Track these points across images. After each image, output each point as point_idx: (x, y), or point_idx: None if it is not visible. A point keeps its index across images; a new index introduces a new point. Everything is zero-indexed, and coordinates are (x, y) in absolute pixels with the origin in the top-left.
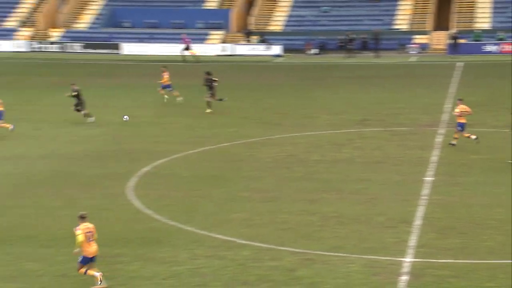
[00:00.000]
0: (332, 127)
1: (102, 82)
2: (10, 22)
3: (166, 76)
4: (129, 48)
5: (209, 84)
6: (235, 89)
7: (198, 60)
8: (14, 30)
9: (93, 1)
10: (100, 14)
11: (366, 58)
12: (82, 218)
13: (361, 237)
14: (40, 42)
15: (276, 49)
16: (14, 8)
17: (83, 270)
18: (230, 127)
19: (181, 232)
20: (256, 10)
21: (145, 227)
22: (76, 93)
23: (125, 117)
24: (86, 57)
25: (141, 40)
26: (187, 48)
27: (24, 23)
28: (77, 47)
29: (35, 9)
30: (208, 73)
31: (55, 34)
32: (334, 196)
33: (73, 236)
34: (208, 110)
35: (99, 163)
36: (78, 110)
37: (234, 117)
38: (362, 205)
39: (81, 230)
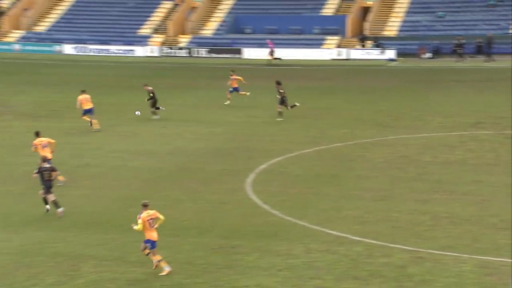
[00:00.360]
0: (445, 129)
1: (225, 85)
2: (144, 30)
3: (234, 79)
4: (249, 53)
5: (280, 95)
6: (349, 92)
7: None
8: (147, 37)
9: (218, 10)
10: (224, 21)
11: (479, 62)
12: (145, 206)
13: (473, 237)
14: (170, 47)
15: (390, 53)
16: (148, 17)
17: (158, 256)
18: (343, 128)
19: (296, 227)
20: (371, 16)
21: (262, 221)
22: (151, 94)
23: (137, 112)
24: (210, 61)
25: (261, 45)
26: (271, 53)
27: (157, 30)
28: (202, 52)
29: (166, 18)
30: (278, 83)
31: (183, 40)
32: (445, 196)
33: (201, 227)
34: (279, 119)
35: (220, 159)
36: (156, 107)
37: (347, 118)
38: (474, 206)
39: (142, 219)
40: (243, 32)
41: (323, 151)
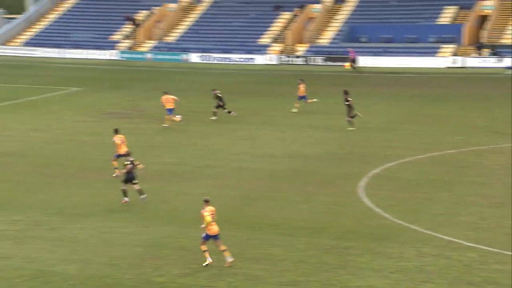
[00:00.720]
0: None
1: (339, 92)
2: (264, 39)
3: (302, 88)
4: (364, 61)
5: (347, 104)
6: (464, 99)
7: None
8: (267, 46)
9: (335, 19)
10: (340, 30)
11: None
12: (207, 202)
13: None
14: (287, 56)
15: (508, 61)
16: (268, 27)
17: (204, 247)
18: (458, 134)
19: (408, 231)
20: (489, 24)
21: (374, 223)
22: (219, 96)
23: (178, 116)
24: (326, 69)
25: (375, 53)
26: (353, 61)
27: (276, 40)
28: (318, 60)
29: (285, 27)
30: (346, 92)
31: (301, 48)
32: None
33: (314, 227)
34: (351, 128)
35: (334, 163)
36: (224, 109)
37: (462, 125)
38: None
39: (208, 212)
40: (358, 41)
41: (436, 157)
